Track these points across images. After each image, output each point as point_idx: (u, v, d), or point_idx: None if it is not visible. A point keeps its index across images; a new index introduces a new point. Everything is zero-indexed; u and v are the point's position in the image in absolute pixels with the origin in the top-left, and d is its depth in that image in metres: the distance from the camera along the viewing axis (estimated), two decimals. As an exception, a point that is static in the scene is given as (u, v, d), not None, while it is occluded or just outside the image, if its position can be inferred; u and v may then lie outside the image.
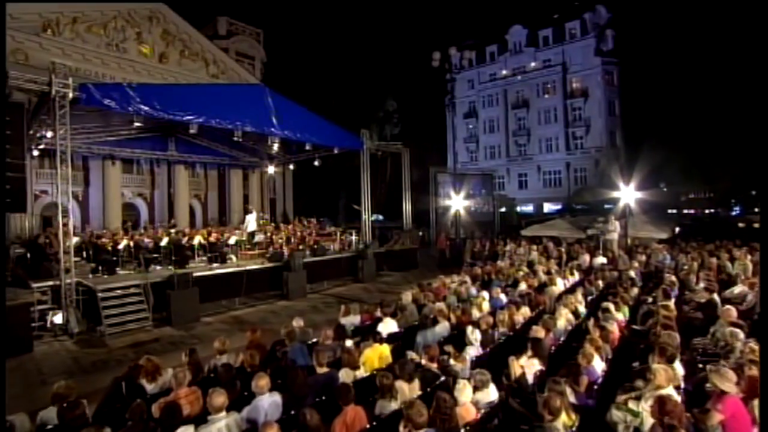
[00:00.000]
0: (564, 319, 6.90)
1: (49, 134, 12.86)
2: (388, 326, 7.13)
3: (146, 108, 11.40)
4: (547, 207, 38.94)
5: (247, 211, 22.10)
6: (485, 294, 8.39)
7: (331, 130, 16.30)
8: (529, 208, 40.37)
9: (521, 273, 11.61)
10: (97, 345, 9.00)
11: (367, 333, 7.60)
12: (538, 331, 5.82)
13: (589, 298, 8.99)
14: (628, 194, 14.26)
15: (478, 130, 44.86)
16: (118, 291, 9.89)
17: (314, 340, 6.83)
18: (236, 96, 13.52)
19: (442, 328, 6.77)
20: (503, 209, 34.37)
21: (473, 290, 9.61)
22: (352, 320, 7.76)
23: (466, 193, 21.55)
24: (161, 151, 19.14)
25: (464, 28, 56.35)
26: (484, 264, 17.12)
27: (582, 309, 7.83)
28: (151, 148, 18.81)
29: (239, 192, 25.31)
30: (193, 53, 22.78)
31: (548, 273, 11.58)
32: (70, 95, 10.28)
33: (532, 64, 39.34)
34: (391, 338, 7.03)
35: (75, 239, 12.91)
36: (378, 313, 8.11)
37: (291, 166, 22.03)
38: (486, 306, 8.11)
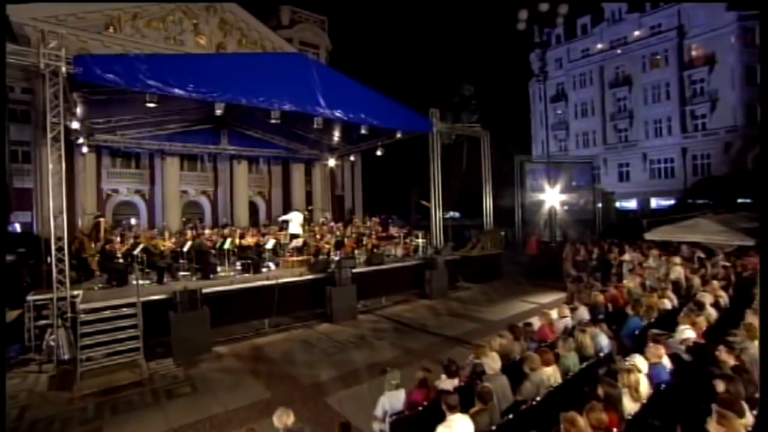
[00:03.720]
0: None
1: (75, 125, 11.16)
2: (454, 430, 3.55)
3: (157, 84, 8.97)
4: (655, 202, 31.91)
5: (305, 209, 19.73)
6: (640, 361, 4.39)
7: (392, 109, 12.96)
8: (631, 204, 33.62)
9: (668, 302, 7.28)
10: (64, 386, 6.60)
11: (416, 428, 4.13)
12: None
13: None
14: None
15: (568, 115, 38.64)
16: (107, 312, 7.47)
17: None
18: (272, 68, 10.71)
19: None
20: (599, 205, 28.48)
21: (604, 340, 5.59)
22: (392, 402, 4.27)
23: (564, 185, 16.84)
24: (213, 144, 17.27)
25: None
26: (590, 277, 12.69)
27: None
28: (203, 141, 17.01)
29: (301, 188, 23.04)
30: (251, 41, 20.85)
31: (716, 305, 7.09)
32: (63, 69, 8.11)
33: (636, 33, 32.33)
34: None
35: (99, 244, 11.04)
36: (443, 384, 4.57)
37: (351, 158, 19.10)
38: (644, 385, 4.16)
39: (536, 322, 6.87)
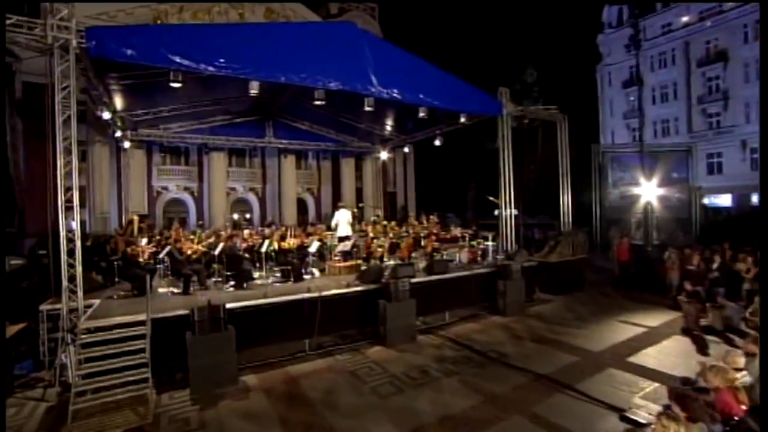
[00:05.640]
0: None
1: (106, 115, 10.11)
2: None
3: (181, 59, 7.49)
4: (757, 198, 26.94)
5: (355, 206, 18.04)
6: None
7: (455, 88, 10.86)
8: (722, 200, 28.90)
9: None
10: (56, 426, 5.19)
11: None
12: None
13: None
14: None
15: (645, 101, 34.02)
16: (117, 331, 6.03)
17: None
18: (316, 41, 8.93)
19: None
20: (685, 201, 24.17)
21: None
22: None
23: (660, 178, 13.67)
24: (258, 137, 16.00)
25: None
26: (712, 294, 9.75)
27: None
28: (247, 134, 15.78)
29: (352, 184, 21.42)
30: (299, 29, 19.49)
31: None
32: (74, 42, 6.82)
33: (735, -1, 27.46)
34: None
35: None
36: None
37: (405, 149, 17.07)
38: None
39: (693, 370, 4.48)
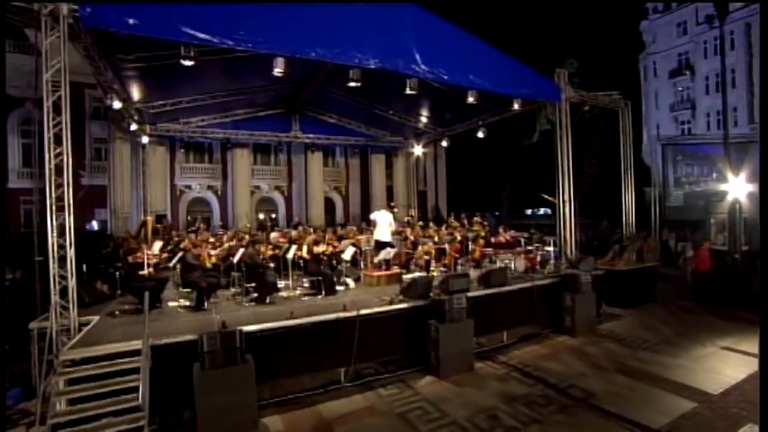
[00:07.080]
0: None
1: (116, 104, 9.01)
2: None
3: (193, 32, 6.24)
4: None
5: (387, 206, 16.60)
6: None
7: (509, 68, 9.31)
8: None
9: None
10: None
11: None
12: None
13: None
14: None
15: (695, 91, 31.32)
16: (108, 363, 4.80)
17: None
18: (352, 12, 7.53)
19: None
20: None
21: None
22: None
23: (751, 173, 11.56)
24: (284, 132, 14.79)
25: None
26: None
27: None
28: (272, 129, 14.60)
29: (382, 182, 19.97)
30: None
31: None
32: (65, 9, 5.64)
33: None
34: None
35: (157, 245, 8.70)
36: None
37: (444, 143, 15.42)
38: None
39: None
